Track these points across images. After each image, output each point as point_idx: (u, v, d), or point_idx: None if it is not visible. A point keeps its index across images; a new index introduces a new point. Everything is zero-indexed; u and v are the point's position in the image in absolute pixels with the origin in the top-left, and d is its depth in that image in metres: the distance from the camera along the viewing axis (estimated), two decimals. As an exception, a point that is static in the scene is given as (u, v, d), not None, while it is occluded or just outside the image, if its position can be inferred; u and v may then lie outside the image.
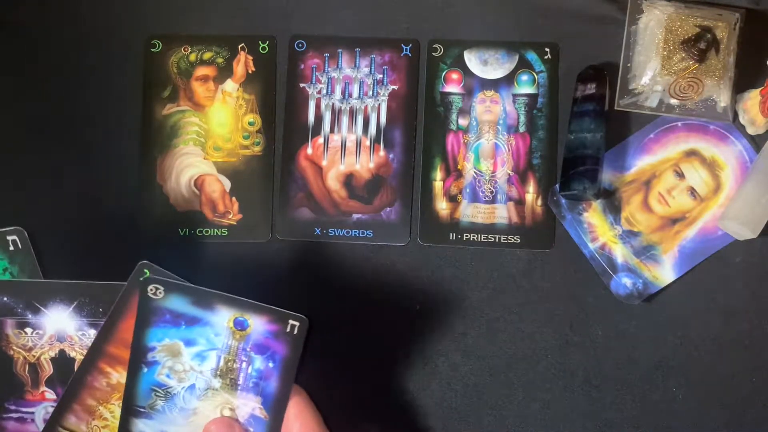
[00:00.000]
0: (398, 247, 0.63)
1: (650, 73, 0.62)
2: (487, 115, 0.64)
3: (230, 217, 0.64)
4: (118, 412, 0.55)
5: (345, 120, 0.65)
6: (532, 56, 0.65)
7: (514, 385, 0.62)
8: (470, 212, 0.63)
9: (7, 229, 0.62)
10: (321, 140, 0.65)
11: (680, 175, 0.63)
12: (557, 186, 0.62)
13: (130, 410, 0.53)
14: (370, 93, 0.65)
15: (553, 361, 0.62)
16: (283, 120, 0.65)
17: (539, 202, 0.63)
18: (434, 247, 0.63)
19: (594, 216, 0.63)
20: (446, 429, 0.62)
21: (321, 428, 0.53)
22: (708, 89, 0.62)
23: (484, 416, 0.62)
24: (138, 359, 0.53)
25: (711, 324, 0.62)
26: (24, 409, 0.60)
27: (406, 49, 0.65)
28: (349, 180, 0.64)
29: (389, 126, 0.65)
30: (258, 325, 0.53)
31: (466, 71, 0.65)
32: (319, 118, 0.65)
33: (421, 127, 0.65)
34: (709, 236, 0.62)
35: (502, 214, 0.63)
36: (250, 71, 0.65)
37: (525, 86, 0.65)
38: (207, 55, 0.65)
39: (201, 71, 0.65)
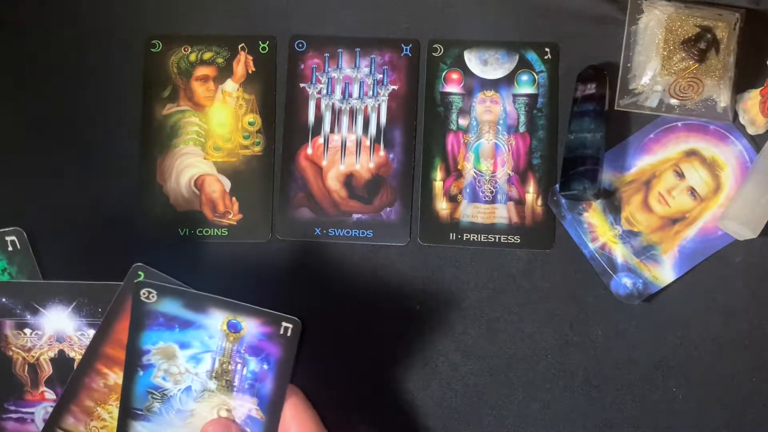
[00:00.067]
0: (398, 247, 0.63)
1: (650, 73, 0.62)
2: (487, 115, 0.64)
3: (230, 217, 0.64)
4: (116, 412, 0.55)
5: (345, 120, 0.65)
6: (532, 56, 0.65)
7: (514, 385, 0.62)
8: (470, 212, 0.63)
9: (6, 229, 0.62)
10: (321, 140, 0.65)
11: (680, 175, 0.63)
12: (557, 186, 0.62)
13: (128, 413, 0.53)
14: (370, 93, 0.65)
15: (553, 361, 0.62)
16: (283, 120, 0.65)
17: (539, 202, 0.63)
18: (434, 247, 0.63)
19: (594, 216, 0.63)
20: (446, 429, 0.62)
21: (318, 428, 0.52)
22: (708, 89, 0.62)
23: (484, 416, 0.62)
24: (133, 362, 0.53)
25: (711, 324, 0.62)
26: (24, 410, 0.60)
27: (406, 49, 0.65)
28: (349, 180, 0.64)
29: (389, 126, 0.65)
30: (251, 327, 0.53)
31: (466, 71, 0.65)
32: (319, 118, 0.65)
33: (421, 127, 0.65)
34: (709, 236, 0.62)
35: (502, 214, 0.63)
36: (250, 71, 0.65)
37: (525, 86, 0.65)
38: (207, 55, 0.65)
39: (201, 71, 0.65)
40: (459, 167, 0.64)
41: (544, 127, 0.64)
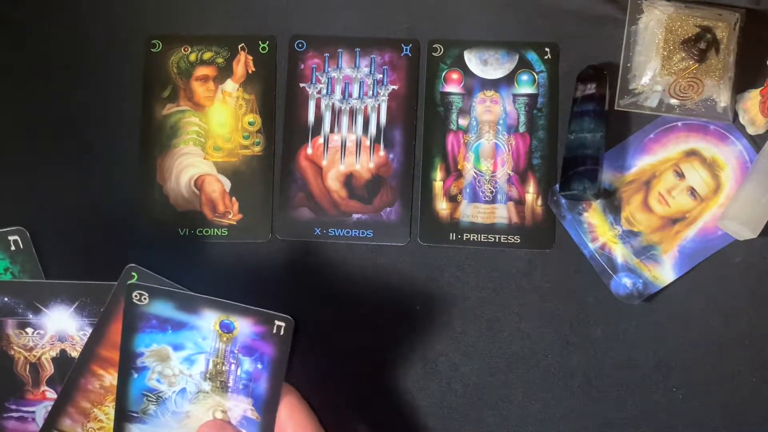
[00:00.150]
0: (398, 247, 0.63)
1: (650, 73, 0.62)
2: (487, 115, 0.64)
3: (230, 217, 0.64)
4: (112, 413, 0.55)
5: (345, 120, 0.65)
6: (532, 56, 0.65)
7: (514, 385, 0.62)
8: (470, 212, 0.64)
9: (9, 229, 0.62)
10: (321, 140, 0.65)
11: (680, 175, 0.63)
12: (557, 186, 0.62)
13: (124, 415, 0.53)
14: (370, 93, 0.65)
15: (553, 361, 0.62)
16: (283, 120, 0.65)
17: (539, 202, 0.63)
18: (434, 247, 0.63)
19: (594, 216, 0.63)
20: (446, 429, 0.62)
21: (315, 427, 0.52)
22: (708, 89, 0.62)
23: (484, 416, 0.62)
24: (127, 365, 0.53)
25: (711, 324, 0.62)
26: (25, 409, 0.60)
27: (406, 49, 0.65)
28: (349, 180, 0.64)
29: (389, 126, 0.65)
30: (244, 327, 0.53)
31: (466, 71, 0.65)
32: (319, 118, 0.65)
33: (421, 127, 0.65)
34: (709, 236, 0.62)
35: (502, 214, 0.63)
36: (250, 71, 0.65)
37: (525, 86, 0.65)
38: (207, 55, 0.65)
39: (201, 71, 0.65)
40: (459, 167, 0.64)
41: (544, 127, 0.64)
